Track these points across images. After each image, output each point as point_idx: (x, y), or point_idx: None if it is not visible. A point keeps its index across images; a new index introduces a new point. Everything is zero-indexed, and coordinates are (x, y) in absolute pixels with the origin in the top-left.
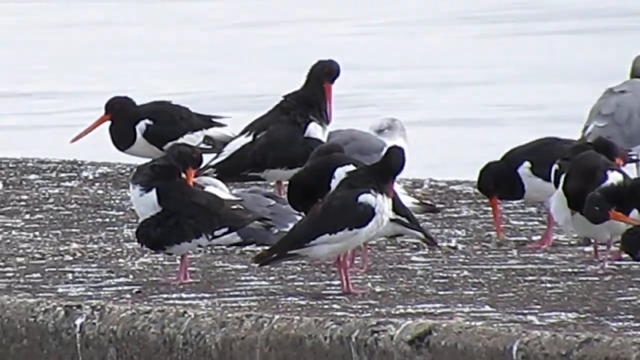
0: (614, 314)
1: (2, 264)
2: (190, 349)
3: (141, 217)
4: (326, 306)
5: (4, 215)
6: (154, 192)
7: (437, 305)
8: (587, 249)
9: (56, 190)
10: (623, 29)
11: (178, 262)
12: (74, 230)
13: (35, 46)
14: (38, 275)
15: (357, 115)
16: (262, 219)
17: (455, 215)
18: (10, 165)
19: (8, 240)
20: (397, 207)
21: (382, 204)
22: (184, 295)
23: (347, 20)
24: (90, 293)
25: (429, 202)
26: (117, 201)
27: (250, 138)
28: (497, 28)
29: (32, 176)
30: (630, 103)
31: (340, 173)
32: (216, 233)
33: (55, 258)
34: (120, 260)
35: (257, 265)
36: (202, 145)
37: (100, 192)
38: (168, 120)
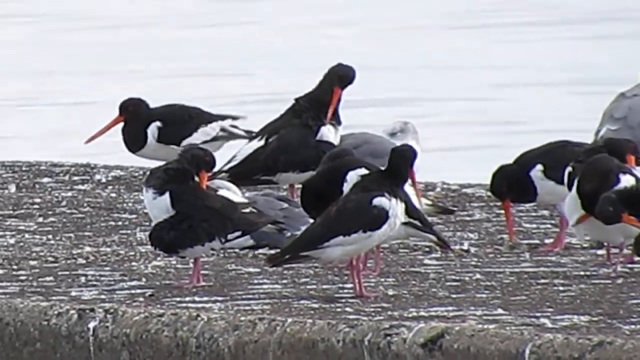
0: (627, 316)
1: (15, 267)
2: (203, 353)
3: (154, 221)
4: (339, 309)
5: (17, 219)
6: (167, 195)
7: (450, 308)
8: (599, 252)
9: (69, 194)
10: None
11: (191, 265)
12: (86, 233)
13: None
14: (51, 278)
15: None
16: (275, 222)
17: (468, 218)
18: (24, 168)
19: (21, 244)
20: (410, 210)
21: (396, 208)
22: (196, 299)
23: (358, 23)
24: (103, 296)
25: (441, 204)
26: (130, 204)
27: (262, 142)
28: (507, 31)
29: (45, 179)
30: None
31: (353, 176)
32: (229, 236)
33: (68, 261)
34: (133, 263)
35: (269, 266)
36: (221, 134)
37: (113, 195)
38: (178, 120)
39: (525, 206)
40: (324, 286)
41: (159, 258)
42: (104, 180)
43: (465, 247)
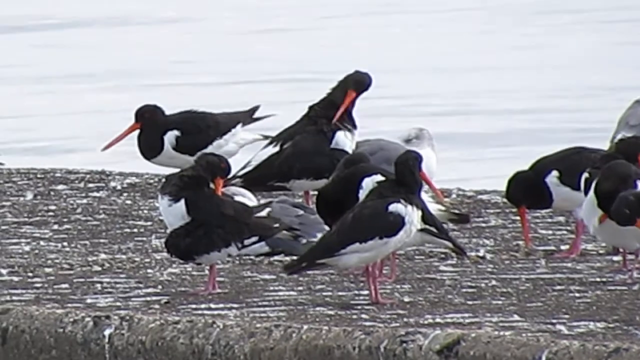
0: None
1: (30, 274)
2: (219, 359)
3: (170, 228)
4: (355, 316)
5: (33, 226)
6: (182, 202)
7: (466, 315)
8: (615, 258)
9: (84, 201)
10: None
11: (207, 272)
12: (102, 240)
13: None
14: (66, 285)
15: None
16: (290, 229)
17: (484, 225)
18: (39, 175)
19: (36, 251)
20: (426, 216)
21: (412, 214)
22: (212, 306)
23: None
24: (118, 303)
25: (457, 211)
26: (146, 211)
27: (277, 148)
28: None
29: (61, 186)
30: None
31: (368, 183)
32: (245, 242)
33: (84, 268)
34: (149, 270)
35: (286, 274)
36: (234, 147)
37: (129, 202)
38: (195, 130)
39: (541, 212)
40: (340, 293)
41: (174, 265)
42: (119, 187)
43: (481, 253)
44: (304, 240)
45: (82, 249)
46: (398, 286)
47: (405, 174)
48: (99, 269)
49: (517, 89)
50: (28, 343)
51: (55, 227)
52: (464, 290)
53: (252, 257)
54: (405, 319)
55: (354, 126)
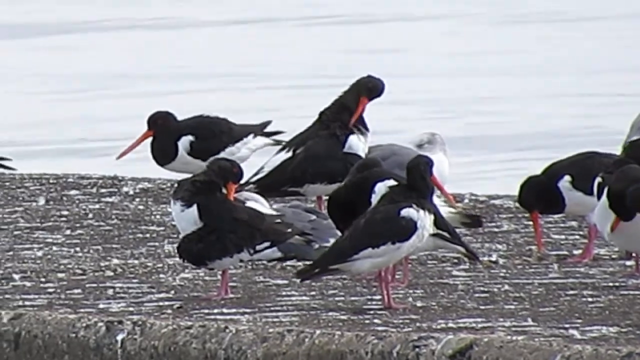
0: None
1: (43, 279)
2: None
3: (182, 233)
4: (367, 321)
5: (45, 231)
6: (195, 207)
7: (479, 319)
8: (628, 263)
9: (97, 206)
10: None
11: (219, 277)
12: (114, 245)
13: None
14: (79, 290)
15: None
16: (303, 234)
17: (496, 230)
18: (51, 180)
19: (49, 256)
20: (439, 221)
21: (424, 219)
22: (225, 311)
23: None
24: (131, 308)
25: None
26: (158, 216)
27: (290, 153)
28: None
29: (73, 192)
30: None
31: (381, 188)
32: (258, 248)
33: (96, 274)
34: (162, 275)
35: (299, 280)
36: (246, 152)
37: (141, 207)
38: (209, 135)
39: (554, 217)
40: (353, 298)
41: (187, 270)
42: (131, 192)
43: (493, 258)
44: (317, 245)
45: (94, 254)
46: (411, 291)
47: (417, 179)
48: (112, 274)
49: (533, 92)
50: (40, 348)
51: (68, 232)
52: (477, 295)
53: (264, 262)
54: (417, 324)
55: (366, 129)
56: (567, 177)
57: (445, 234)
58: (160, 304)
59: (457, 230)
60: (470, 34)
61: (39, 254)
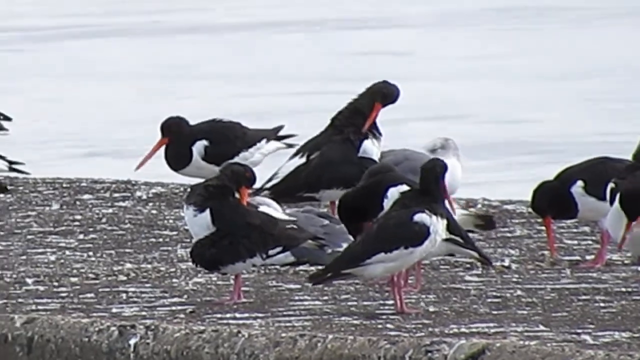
0: None
1: (56, 284)
2: None
3: (195, 237)
4: (380, 326)
5: (58, 235)
6: (207, 212)
7: (491, 324)
8: None
9: (110, 210)
10: None
11: (232, 281)
12: (127, 250)
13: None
14: (92, 295)
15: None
16: (315, 239)
17: (509, 235)
18: (64, 185)
19: (62, 260)
20: (451, 226)
21: (437, 224)
22: (237, 315)
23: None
24: (144, 313)
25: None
26: (171, 221)
27: (304, 159)
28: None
29: (86, 196)
30: None
31: (394, 192)
32: (270, 252)
33: (109, 278)
34: (174, 280)
35: (311, 284)
36: (259, 157)
37: (154, 212)
38: (223, 139)
39: (566, 222)
40: (365, 302)
41: (199, 275)
42: (144, 197)
43: (506, 263)
44: (329, 250)
45: (107, 258)
46: (423, 296)
47: (430, 181)
48: (125, 278)
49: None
50: (53, 352)
51: (81, 236)
52: (489, 300)
53: (277, 266)
54: (430, 329)
55: (379, 133)
56: (580, 183)
57: (458, 238)
58: (173, 308)
59: (470, 235)
60: (482, 37)
61: (52, 258)
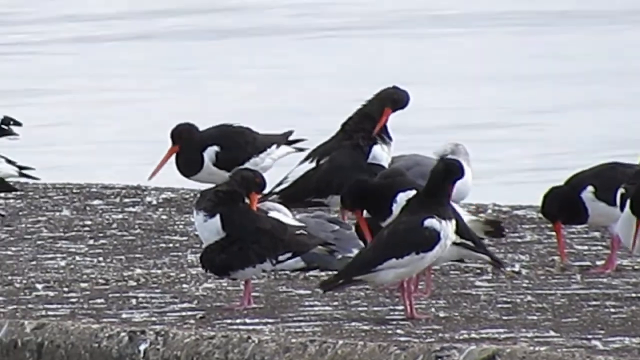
0: None
1: (66, 289)
2: None
3: (205, 243)
4: (390, 331)
5: (68, 241)
6: (217, 217)
7: (501, 330)
8: None
9: (120, 216)
10: None
11: (242, 287)
12: (137, 255)
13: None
14: (102, 300)
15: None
16: (325, 244)
17: (519, 240)
18: (74, 190)
19: (72, 266)
20: (462, 230)
21: (447, 229)
22: (247, 321)
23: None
24: (154, 318)
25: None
26: (181, 226)
27: (313, 164)
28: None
29: (96, 201)
30: None
31: (403, 198)
32: (280, 258)
33: (119, 283)
34: (184, 285)
35: (323, 291)
36: (270, 162)
37: (164, 217)
38: (234, 145)
39: (577, 228)
40: (375, 308)
41: (209, 280)
42: (154, 202)
43: (516, 269)
44: (340, 256)
45: (117, 263)
46: (433, 301)
47: (437, 183)
48: (135, 284)
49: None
50: (63, 358)
51: (91, 242)
52: (500, 305)
53: (287, 272)
54: (440, 334)
55: (390, 138)
56: (590, 188)
57: (469, 242)
58: (183, 314)
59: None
60: (496, 42)
61: (62, 263)
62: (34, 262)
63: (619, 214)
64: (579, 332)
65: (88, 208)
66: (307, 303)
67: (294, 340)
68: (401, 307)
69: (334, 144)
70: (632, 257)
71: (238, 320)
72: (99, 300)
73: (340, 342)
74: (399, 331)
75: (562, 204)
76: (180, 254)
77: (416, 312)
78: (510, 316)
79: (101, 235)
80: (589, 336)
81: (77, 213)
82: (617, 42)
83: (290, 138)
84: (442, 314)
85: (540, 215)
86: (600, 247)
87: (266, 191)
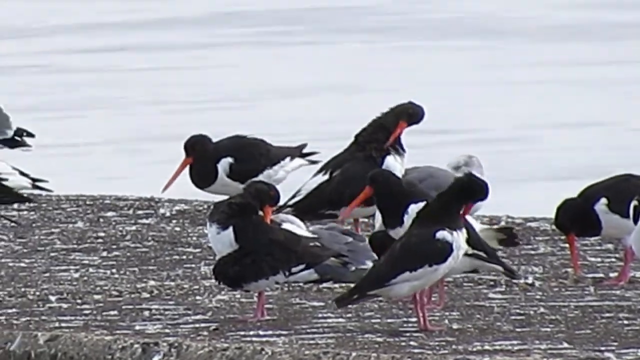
0: None
1: (79, 301)
2: None
3: (218, 255)
4: (403, 343)
5: (82, 253)
6: (231, 229)
7: (515, 342)
8: None
9: (133, 228)
10: None
11: (255, 299)
12: (151, 267)
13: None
14: (115, 312)
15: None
16: (339, 256)
17: (533, 252)
18: (88, 202)
19: (85, 278)
20: (474, 241)
21: (459, 240)
22: (261, 333)
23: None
24: (167, 330)
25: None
26: (194, 238)
27: (326, 176)
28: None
29: (110, 213)
30: None
31: (414, 209)
32: (293, 270)
33: (133, 295)
34: (198, 297)
35: (338, 307)
36: (283, 174)
37: (178, 229)
38: (248, 157)
39: (590, 240)
40: (388, 320)
41: (223, 292)
42: (168, 214)
43: (529, 280)
44: (353, 267)
45: (130, 275)
46: (447, 313)
47: (452, 196)
48: (148, 295)
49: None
50: None
51: (104, 253)
52: (513, 317)
53: (300, 284)
54: (453, 346)
55: (403, 149)
56: (604, 200)
57: (481, 253)
58: (197, 325)
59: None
60: (506, 58)
61: (76, 275)
62: (47, 274)
63: (632, 226)
64: (592, 344)
65: (101, 220)
66: (320, 315)
67: (307, 352)
68: (414, 319)
69: (346, 155)
70: None
71: (251, 332)
72: (112, 312)
73: (354, 354)
74: (412, 343)
75: (576, 216)
76: (193, 265)
77: (429, 324)
78: (524, 328)
79: (114, 247)
80: (602, 348)
81: (90, 225)
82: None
83: (304, 151)
84: (455, 326)
85: (554, 227)
86: (613, 259)
87: (280, 204)
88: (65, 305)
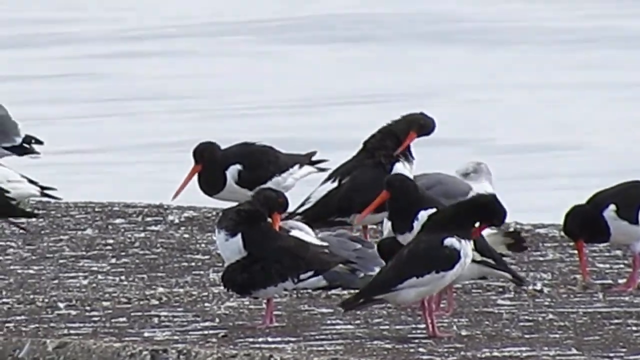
0: None
1: (88, 308)
2: None
3: (227, 262)
4: (412, 350)
5: (90, 260)
6: (239, 236)
7: (523, 348)
8: None
9: (142, 235)
10: None
11: (264, 306)
12: (159, 274)
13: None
14: (124, 319)
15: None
16: (347, 263)
17: (541, 259)
18: (97, 209)
19: (94, 285)
20: (482, 248)
21: (466, 247)
22: (269, 339)
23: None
24: (176, 337)
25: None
26: (203, 245)
27: (335, 183)
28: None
29: (118, 220)
30: None
31: (424, 216)
32: (302, 277)
33: (141, 302)
34: (206, 304)
35: (344, 311)
36: (291, 182)
37: (186, 236)
38: (257, 164)
39: (599, 246)
40: (397, 326)
41: (232, 299)
42: (176, 221)
43: (538, 287)
44: (361, 274)
45: (139, 282)
46: (455, 320)
47: (466, 213)
48: (157, 302)
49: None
50: None
51: (113, 260)
52: (522, 323)
53: (309, 290)
54: (462, 353)
55: (412, 156)
56: (612, 206)
57: (490, 260)
58: (205, 332)
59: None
60: (524, 64)
61: (84, 282)
62: (56, 281)
63: None
64: (600, 350)
65: (110, 227)
66: (329, 321)
67: (315, 359)
68: (423, 326)
69: (355, 162)
70: None
71: (260, 339)
72: (121, 319)
73: None
74: (421, 350)
75: (584, 223)
76: (202, 272)
77: (438, 330)
78: (533, 334)
79: (123, 254)
80: (611, 354)
81: (99, 232)
82: None
83: (313, 158)
84: (464, 332)
85: (563, 233)
86: (622, 265)
87: (289, 211)
88: (74, 312)
